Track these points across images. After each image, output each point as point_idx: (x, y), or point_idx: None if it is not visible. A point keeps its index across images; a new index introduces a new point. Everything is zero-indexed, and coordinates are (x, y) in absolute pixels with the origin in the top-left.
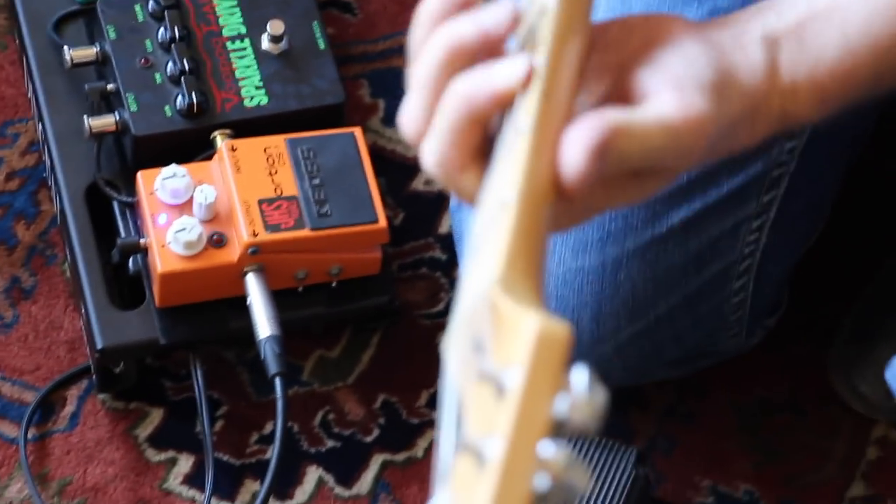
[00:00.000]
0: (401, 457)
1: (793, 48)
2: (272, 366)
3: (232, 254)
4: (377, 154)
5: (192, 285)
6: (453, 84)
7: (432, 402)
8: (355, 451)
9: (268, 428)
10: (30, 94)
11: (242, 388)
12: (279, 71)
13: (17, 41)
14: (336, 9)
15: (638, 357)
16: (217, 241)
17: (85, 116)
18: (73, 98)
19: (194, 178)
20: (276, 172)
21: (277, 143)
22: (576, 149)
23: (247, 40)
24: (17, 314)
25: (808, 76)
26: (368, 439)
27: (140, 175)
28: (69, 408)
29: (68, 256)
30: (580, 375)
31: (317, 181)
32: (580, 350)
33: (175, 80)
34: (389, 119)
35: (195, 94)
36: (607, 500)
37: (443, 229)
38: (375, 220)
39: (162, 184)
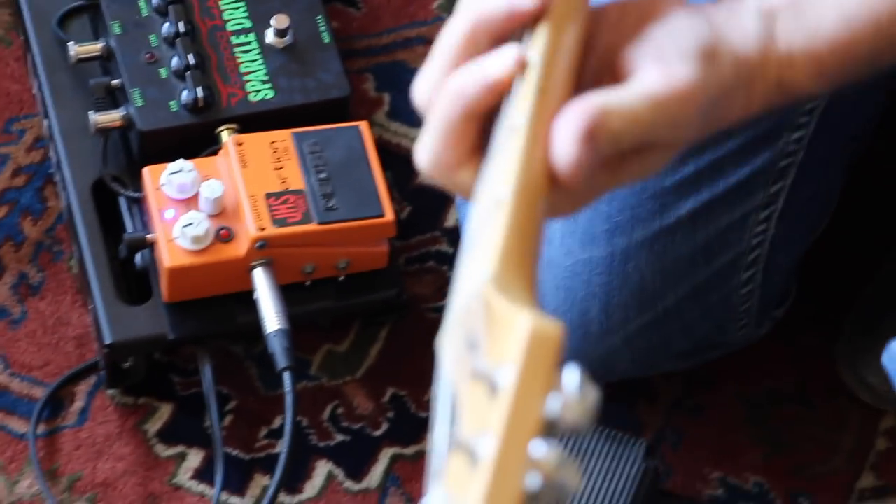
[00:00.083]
0: (410, 450)
1: (789, 19)
2: (281, 360)
3: (239, 248)
4: (382, 148)
5: (200, 280)
6: (446, 82)
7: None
8: (364, 444)
9: (276, 422)
10: (35, 91)
11: (251, 383)
12: (284, 65)
13: (22, 37)
14: (340, 3)
15: (646, 348)
16: (224, 236)
17: (90, 112)
18: (79, 94)
19: (201, 172)
20: (282, 167)
21: (284, 137)
22: (565, 137)
23: (251, 34)
24: (25, 310)
25: (805, 47)
26: (377, 433)
27: (146, 170)
28: (78, 403)
29: (75, 252)
30: (572, 375)
31: (324, 175)
32: (589, 341)
33: (180, 75)
34: (395, 113)
35: (200, 88)
36: (616, 493)
37: (449, 223)
38: (382, 214)
39: (168, 179)
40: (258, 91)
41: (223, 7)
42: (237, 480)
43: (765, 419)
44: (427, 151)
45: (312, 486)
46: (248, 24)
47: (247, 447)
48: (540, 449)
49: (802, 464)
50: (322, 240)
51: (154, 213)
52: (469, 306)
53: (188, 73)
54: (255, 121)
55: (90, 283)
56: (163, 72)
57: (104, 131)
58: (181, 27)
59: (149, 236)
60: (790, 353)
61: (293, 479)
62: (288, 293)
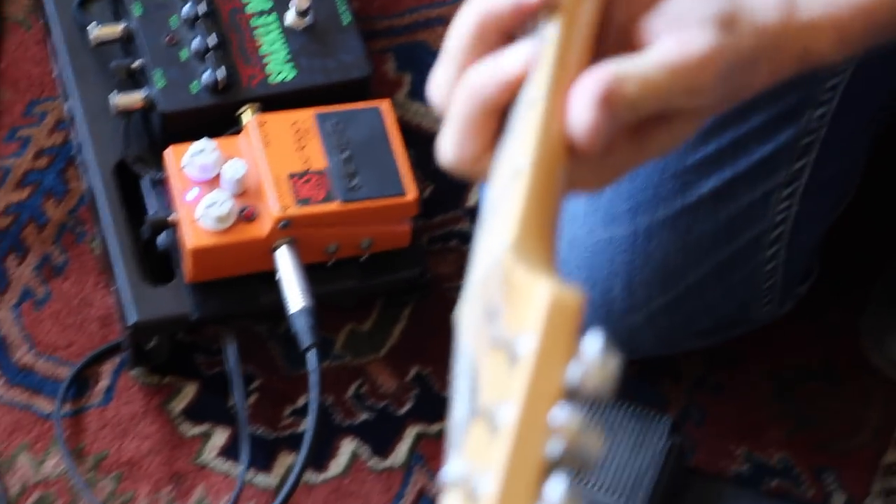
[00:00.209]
0: (434, 428)
1: None
2: (305, 338)
3: (262, 228)
4: (404, 128)
5: (223, 260)
6: (464, 77)
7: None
8: (389, 423)
9: (301, 401)
10: (56, 73)
11: (275, 362)
12: (305, 45)
13: (42, 21)
14: None
15: (669, 327)
16: (247, 216)
17: (112, 94)
18: (100, 76)
19: (223, 153)
20: (304, 146)
21: (306, 117)
22: (580, 103)
23: (272, 15)
24: (48, 291)
25: (826, 13)
26: (402, 411)
27: (169, 151)
28: (103, 383)
29: (98, 233)
30: (593, 342)
31: (346, 154)
32: (611, 320)
33: (201, 56)
34: (415, 93)
35: (221, 69)
36: (642, 470)
37: (472, 202)
38: (405, 193)
39: (191, 159)
40: (279, 72)
41: None
42: (262, 459)
43: (789, 395)
44: (449, 147)
45: (337, 465)
46: (268, 4)
47: (272, 426)
48: (561, 415)
49: (827, 440)
50: (345, 219)
51: (176, 194)
52: (488, 276)
53: (209, 55)
54: (275, 102)
55: (113, 263)
56: (184, 53)
57: (126, 113)
58: (202, 8)
59: (171, 217)
60: (815, 330)
61: (318, 458)
62: (311, 273)
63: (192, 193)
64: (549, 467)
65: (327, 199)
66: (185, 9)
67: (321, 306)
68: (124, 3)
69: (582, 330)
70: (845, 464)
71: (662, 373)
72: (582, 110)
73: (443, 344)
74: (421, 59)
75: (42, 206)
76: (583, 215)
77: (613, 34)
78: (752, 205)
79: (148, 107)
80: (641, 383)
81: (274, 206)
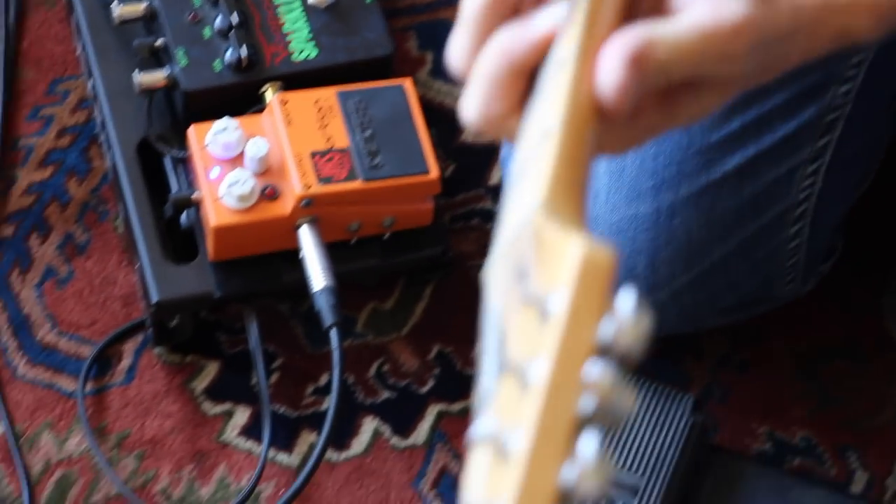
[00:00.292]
0: (456, 407)
1: None
2: (327, 317)
3: (285, 206)
4: (426, 106)
5: (246, 238)
6: (492, 39)
7: (479, 341)
8: (411, 401)
9: (323, 380)
10: (79, 52)
11: (297, 341)
12: (327, 24)
13: None
14: None
15: (693, 304)
16: (270, 194)
17: (135, 72)
18: (122, 54)
19: (246, 131)
20: (327, 125)
21: (328, 95)
22: (610, 63)
23: None
24: (71, 270)
25: None
26: (424, 390)
27: (192, 129)
28: (126, 362)
29: (121, 212)
30: (626, 299)
31: (368, 133)
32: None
33: (224, 35)
34: (438, 71)
35: (244, 48)
36: (664, 448)
37: (494, 180)
38: (427, 171)
39: (214, 138)
40: (302, 50)
41: None
42: (284, 437)
43: (813, 374)
44: (473, 106)
45: (359, 443)
46: None
47: (294, 404)
48: (594, 371)
49: (851, 418)
50: (367, 197)
51: (199, 172)
52: (518, 235)
53: (232, 33)
54: (298, 80)
55: (136, 242)
56: (206, 31)
57: (148, 91)
58: None
59: (194, 195)
60: (838, 308)
61: (340, 436)
62: (333, 251)
63: (215, 172)
64: (581, 424)
65: (349, 177)
66: None
67: (343, 285)
68: None
69: (615, 287)
70: (868, 442)
71: (685, 351)
72: (611, 70)
73: (465, 322)
74: (443, 37)
75: (65, 184)
76: (605, 193)
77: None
78: (776, 182)
79: (171, 85)
80: (664, 361)
81: (296, 184)
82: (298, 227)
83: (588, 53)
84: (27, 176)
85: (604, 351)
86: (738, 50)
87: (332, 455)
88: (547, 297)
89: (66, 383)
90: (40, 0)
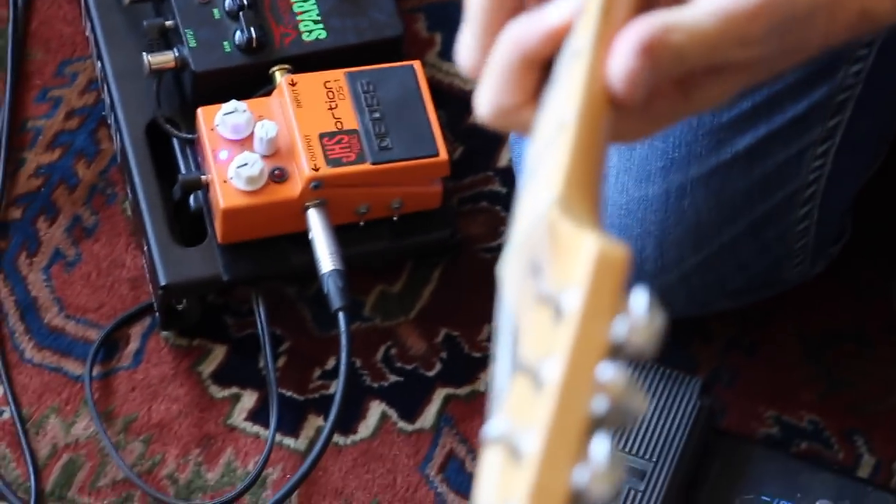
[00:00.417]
0: (464, 391)
1: None
2: (335, 300)
3: (294, 189)
4: (435, 88)
5: (254, 221)
6: (504, 31)
7: (494, 336)
8: (418, 385)
9: (330, 363)
10: (88, 33)
11: (304, 324)
12: (337, 5)
13: None
14: None
15: (702, 286)
16: (278, 176)
17: (144, 54)
18: (132, 35)
19: (255, 113)
20: (336, 107)
21: (337, 77)
22: (621, 52)
23: None
24: (79, 252)
25: None
26: (431, 374)
27: (200, 111)
28: (133, 345)
29: (129, 194)
30: (640, 298)
31: (377, 115)
32: (644, 280)
33: (233, 16)
34: (446, 53)
35: (254, 29)
36: (672, 432)
37: (502, 162)
38: (436, 154)
39: (223, 119)
40: (311, 31)
41: None
42: (291, 421)
43: (820, 357)
44: (487, 99)
45: (366, 427)
46: None
47: (301, 388)
48: (607, 372)
49: (858, 402)
50: (376, 179)
51: (208, 155)
52: (533, 230)
53: (241, 14)
54: (308, 61)
55: (144, 224)
56: (216, 12)
57: (157, 73)
58: None
59: (203, 177)
60: (847, 291)
61: (347, 420)
62: (342, 234)
63: (224, 154)
64: (594, 425)
65: (358, 159)
66: None
67: (351, 267)
68: None
69: (627, 286)
70: (875, 426)
71: (693, 334)
72: (622, 60)
73: (473, 306)
74: (452, 19)
75: (73, 167)
76: (615, 175)
77: None
78: (786, 162)
79: (180, 66)
80: (671, 344)
81: (305, 166)
82: (307, 209)
83: (603, 43)
84: (35, 158)
85: (617, 350)
86: (757, 33)
87: (338, 439)
88: (560, 296)
89: (74, 367)
90: None
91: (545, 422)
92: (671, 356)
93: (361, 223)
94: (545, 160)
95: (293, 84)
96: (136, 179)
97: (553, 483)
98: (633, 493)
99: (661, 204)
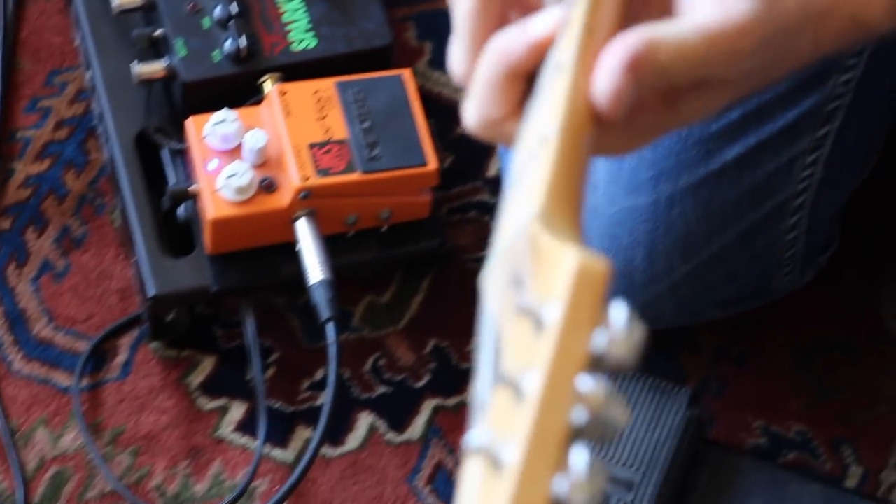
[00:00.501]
0: (452, 401)
1: None
2: (324, 311)
3: (283, 198)
4: (424, 97)
5: (243, 231)
6: (490, 41)
7: (476, 346)
8: (406, 396)
9: (318, 374)
10: (77, 42)
11: (293, 335)
12: (327, 14)
13: None
14: None
15: (690, 296)
16: (268, 186)
17: (133, 63)
18: (121, 45)
19: (244, 122)
20: (325, 116)
21: (327, 86)
22: (606, 68)
23: None
24: (68, 263)
25: None
26: (419, 384)
27: (190, 121)
28: (121, 356)
29: (118, 205)
30: (619, 311)
31: (367, 124)
32: (633, 290)
33: (223, 25)
34: (436, 62)
35: (243, 38)
36: (660, 442)
37: (491, 172)
38: (426, 163)
39: (212, 129)
40: (301, 40)
41: None
42: (280, 433)
43: (809, 367)
44: (473, 111)
45: (355, 438)
46: None
47: (289, 399)
48: (587, 383)
49: (846, 412)
50: (365, 189)
51: (197, 164)
52: (514, 243)
53: (231, 23)
54: (297, 70)
55: (133, 235)
56: (206, 21)
57: (147, 82)
58: None
59: (192, 188)
60: (835, 301)
61: (335, 432)
62: (331, 244)
63: (213, 164)
64: (574, 436)
65: (348, 169)
66: None
67: (340, 278)
68: None
69: (608, 299)
70: (863, 436)
71: (681, 344)
72: (606, 76)
73: (462, 316)
74: (442, 28)
75: (62, 177)
76: (604, 185)
77: (654, 2)
78: (776, 172)
79: (169, 76)
80: (660, 355)
81: (294, 176)
82: (296, 219)
83: (586, 58)
84: (24, 168)
85: (597, 363)
86: (745, 49)
87: (327, 451)
88: (541, 308)
89: (62, 378)
90: None
91: (525, 433)
92: (660, 366)
93: (350, 233)
94: (527, 173)
95: (283, 93)
96: (126, 190)
97: (533, 493)
98: (621, 503)
99: (651, 214)
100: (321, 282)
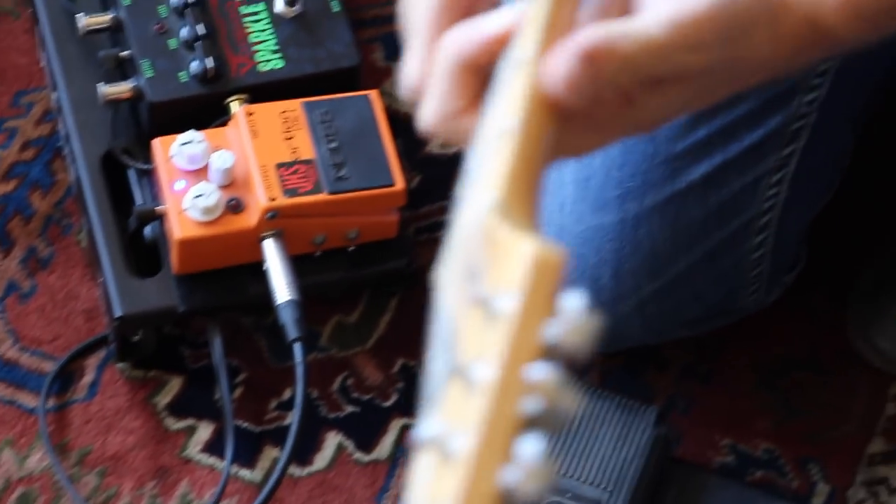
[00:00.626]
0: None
1: None
2: (291, 331)
3: (250, 219)
4: (392, 117)
5: (210, 251)
6: (444, 39)
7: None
8: (374, 415)
9: (286, 394)
10: (43, 63)
11: (261, 355)
12: (294, 34)
13: (30, 10)
14: None
15: (658, 315)
16: (235, 207)
17: (99, 84)
18: (88, 66)
19: (211, 143)
20: (292, 136)
21: (294, 106)
22: (562, 56)
23: (261, 4)
24: (34, 284)
25: None
26: (387, 404)
27: (156, 142)
28: (88, 377)
29: (85, 225)
30: (573, 300)
31: (334, 144)
32: (600, 309)
33: (190, 46)
34: None
35: (210, 59)
36: (627, 461)
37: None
38: (393, 183)
39: (179, 150)
40: (268, 61)
41: None
42: (247, 453)
43: (775, 385)
44: (429, 106)
45: (322, 458)
46: None
47: (257, 419)
48: (538, 372)
49: (813, 430)
50: (333, 209)
51: (164, 185)
52: (470, 234)
53: (198, 44)
54: (264, 91)
55: (100, 256)
56: (172, 42)
57: (113, 103)
58: None
59: (159, 208)
60: (801, 319)
61: (303, 451)
62: (298, 264)
63: (180, 184)
64: (525, 425)
65: (315, 189)
66: None
67: (308, 298)
68: None
69: (563, 289)
70: (830, 454)
71: (648, 362)
72: (560, 63)
73: (430, 335)
74: None
75: (28, 198)
76: (571, 203)
77: (615, 7)
78: (741, 191)
79: (136, 97)
80: (626, 373)
81: (261, 196)
82: (263, 239)
83: (547, 52)
84: None
85: (550, 352)
86: (705, 38)
87: (294, 470)
88: (496, 298)
89: (28, 399)
90: (5, 11)
91: (476, 422)
92: (626, 384)
93: (318, 253)
94: (485, 166)
95: (250, 114)
96: (92, 210)
97: (483, 483)
98: None
99: (617, 233)
100: (288, 302)
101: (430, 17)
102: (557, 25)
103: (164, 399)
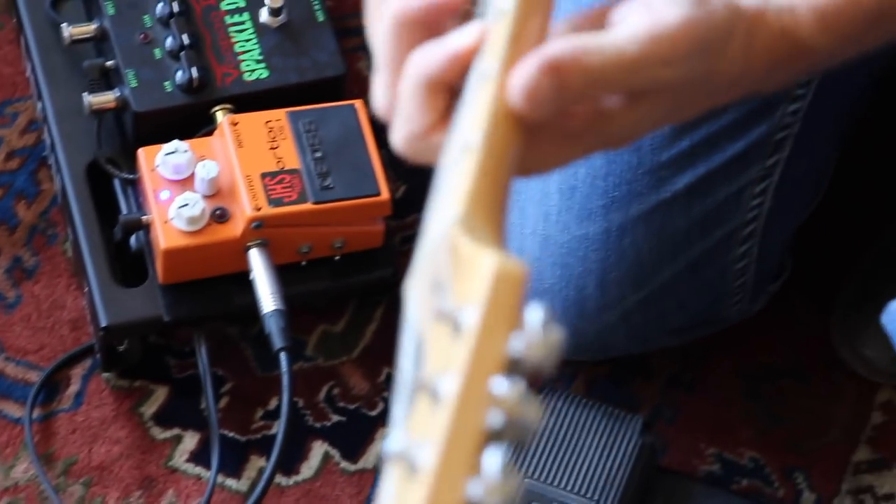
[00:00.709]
0: None
1: None
2: (277, 340)
3: (235, 228)
4: (377, 127)
5: (196, 261)
6: (409, 59)
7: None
8: (361, 425)
9: (272, 403)
10: (28, 73)
11: (247, 364)
12: (279, 44)
13: (15, 19)
14: None
15: (642, 324)
16: (220, 216)
17: (84, 94)
18: (73, 75)
19: (196, 153)
20: (277, 146)
21: (279, 116)
22: (525, 67)
23: (246, 14)
24: (19, 294)
25: None
26: (374, 413)
27: (141, 151)
28: (73, 387)
29: (70, 235)
30: (535, 313)
31: (319, 154)
32: (585, 318)
33: (175, 56)
34: None
35: (195, 69)
36: (613, 470)
37: None
38: (378, 193)
39: (164, 160)
40: (253, 71)
41: None
42: (233, 462)
43: (760, 394)
44: (398, 126)
45: (309, 467)
46: (242, 3)
47: (243, 429)
48: (502, 386)
49: (798, 438)
50: (318, 219)
51: (149, 195)
52: (436, 249)
53: (183, 54)
54: (249, 101)
55: (85, 265)
56: (157, 52)
57: (98, 113)
58: (175, 7)
59: (144, 218)
60: (786, 328)
61: (289, 461)
62: (284, 273)
63: (165, 194)
64: (489, 439)
65: (300, 199)
66: (159, 7)
67: (293, 307)
68: (97, 1)
69: (526, 302)
70: (815, 462)
71: (634, 372)
72: (523, 74)
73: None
74: None
75: (13, 207)
76: (556, 213)
77: (591, 20)
78: (725, 201)
79: (121, 107)
80: (612, 382)
81: (247, 206)
82: (249, 249)
83: (512, 65)
84: None
85: (514, 366)
86: (679, 53)
87: (280, 480)
88: (459, 312)
89: (13, 409)
90: None
91: (440, 436)
92: (612, 394)
93: (303, 263)
94: (450, 180)
95: (235, 124)
96: (77, 220)
97: (447, 497)
98: None
99: (602, 243)
100: (274, 311)
101: (391, 39)
102: (524, 39)
103: (149, 409)
